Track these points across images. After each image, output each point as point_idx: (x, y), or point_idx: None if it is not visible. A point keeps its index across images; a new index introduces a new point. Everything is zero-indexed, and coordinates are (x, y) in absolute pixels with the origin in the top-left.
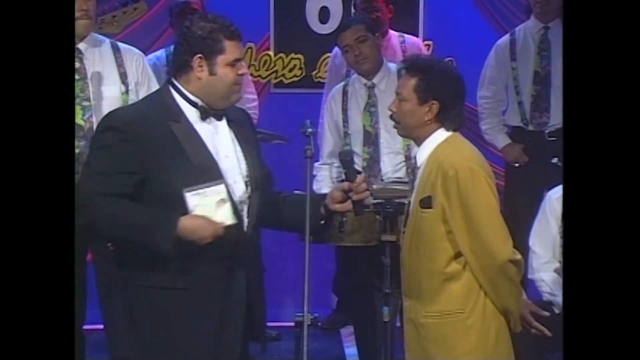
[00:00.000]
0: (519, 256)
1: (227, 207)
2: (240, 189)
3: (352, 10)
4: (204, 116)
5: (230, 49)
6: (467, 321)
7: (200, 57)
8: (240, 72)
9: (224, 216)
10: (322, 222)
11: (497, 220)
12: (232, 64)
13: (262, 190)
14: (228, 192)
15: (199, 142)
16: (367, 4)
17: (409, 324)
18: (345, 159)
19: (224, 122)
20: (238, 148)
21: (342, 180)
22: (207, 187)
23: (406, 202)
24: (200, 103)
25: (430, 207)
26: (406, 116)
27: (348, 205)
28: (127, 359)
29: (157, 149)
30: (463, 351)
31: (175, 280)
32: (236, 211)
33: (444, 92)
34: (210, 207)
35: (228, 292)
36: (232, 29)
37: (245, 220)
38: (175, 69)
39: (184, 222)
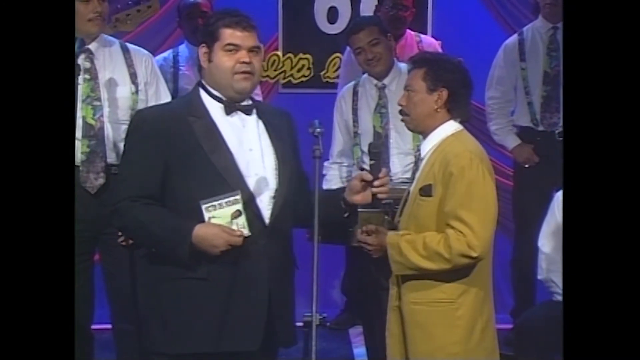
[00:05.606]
0: (474, 254)
1: (242, 218)
2: (261, 182)
3: (375, 3)
4: (229, 110)
5: (225, 35)
6: (456, 312)
7: (203, 46)
8: (241, 60)
9: (240, 227)
10: (346, 215)
11: (482, 213)
12: (228, 49)
13: (291, 187)
14: (244, 202)
15: (219, 139)
16: (397, 0)
17: (395, 312)
18: (375, 150)
19: (253, 116)
20: (266, 142)
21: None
22: (222, 198)
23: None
24: (224, 97)
25: (430, 195)
26: (416, 106)
27: (368, 196)
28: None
29: (177, 146)
30: (448, 341)
31: (193, 270)
32: (254, 218)
33: (452, 79)
34: (225, 218)
35: (248, 285)
36: (232, 17)
37: (267, 213)
38: (198, 65)
39: (197, 231)
